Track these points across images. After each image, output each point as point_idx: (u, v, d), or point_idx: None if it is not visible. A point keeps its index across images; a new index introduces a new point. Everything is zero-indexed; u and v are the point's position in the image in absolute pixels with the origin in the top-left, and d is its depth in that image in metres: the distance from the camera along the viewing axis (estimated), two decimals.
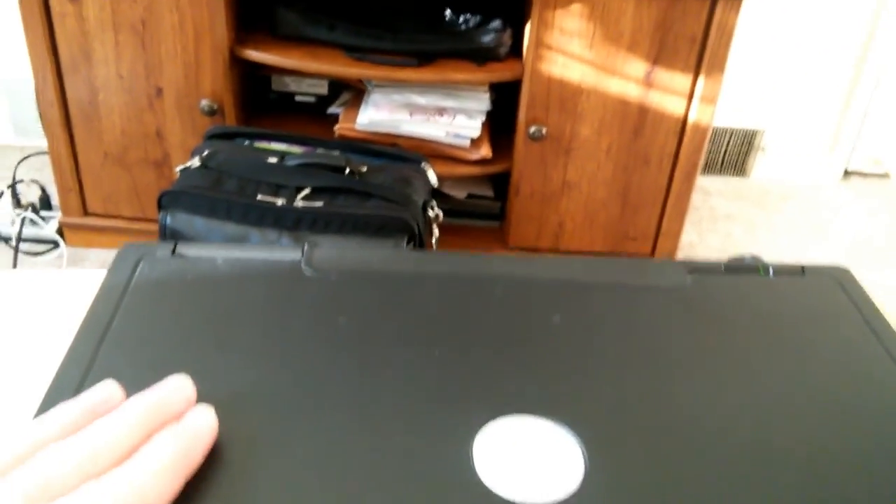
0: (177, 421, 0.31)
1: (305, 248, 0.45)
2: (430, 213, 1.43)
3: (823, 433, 0.36)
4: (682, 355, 0.40)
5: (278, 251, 0.44)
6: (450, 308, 0.42)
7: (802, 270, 0.47)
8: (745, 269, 0.46)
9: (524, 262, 0.45)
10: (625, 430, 0.36)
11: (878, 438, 0.36)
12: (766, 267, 0.46)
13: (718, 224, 2.12)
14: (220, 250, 0.44)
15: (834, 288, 0.46)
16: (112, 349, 0.37)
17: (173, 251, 0.43)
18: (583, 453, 0.34)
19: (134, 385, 0.35)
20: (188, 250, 0.44)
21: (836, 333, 0.42)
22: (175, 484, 0.29)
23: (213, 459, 0.32)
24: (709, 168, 2.33)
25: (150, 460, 0.29)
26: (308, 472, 0.32)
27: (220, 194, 1.34)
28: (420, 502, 0.32)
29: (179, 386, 0.33)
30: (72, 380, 0.35)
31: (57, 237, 1.75)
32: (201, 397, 0.35)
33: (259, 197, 1.35)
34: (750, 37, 2.11)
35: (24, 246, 1.74)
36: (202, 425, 0.31)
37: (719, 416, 0.37)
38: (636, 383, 0.38)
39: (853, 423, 0.37)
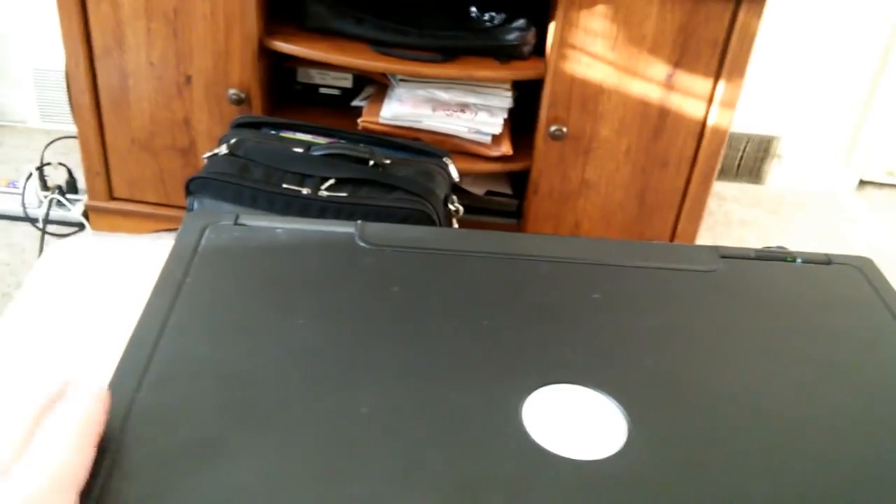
0: (64, 399, 0.33)
1: (359, 223, 0.47)
2: (451, 208, 1.46)
3: (848, 408, 0.39)
4: (715, 333, 0.42)
5: (333, 224, 0.47)
6: (496, 283, 0.44)
7: (828, 260, 0.49)
8: (774, 256, 0.49)
9: (565, 242, 0.48)
10: (664, 399, 0.38)
11: None
12: (794, 255, 0.49)
13: (733, 229, 2.14)
14: (279, 222, 0.47)
15: (858, 277, 0.48)
16: (184, 308, 0.40)
17: (235, 221, 0.46)
18: (625, 418, 0.37)
19: (204, 338, 0.38)
20: (249, 220, 0.46)
21: (861, 318, 0.45)
22: (88, 450, 0.31)
23: (275, 408, 0.35)
24: (724, 174, 2.34)
25: (59, 436, 0.30)
26: (368, 427, 0.35)
27: (246, 182, 1.37)
28: (476, 455, 0.34)
29: (52, 377, 0.34)
30: (149, 333, 0.38)
31: (82, 220, 1.78)
32: (267, 356, 0.38)
33: (284, 186, 1.37)
34: (769, 43, 2.13)
35: (49, 228, 1.77)
36: (88, 395, 0.32)
37: (750, 390, 0.39)
38: (673, 357, 0.41)
39: (877, 400, 0.39)
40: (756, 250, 0.49)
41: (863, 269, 0.48)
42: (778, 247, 0.52)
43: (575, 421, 0.36)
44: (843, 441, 0.37)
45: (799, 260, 0.49)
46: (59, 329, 0.50)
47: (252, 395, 0.35)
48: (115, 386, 0.35)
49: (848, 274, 0.48)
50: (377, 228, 0.47)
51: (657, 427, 0.37)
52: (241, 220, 0.46)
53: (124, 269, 0.54)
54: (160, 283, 0.41)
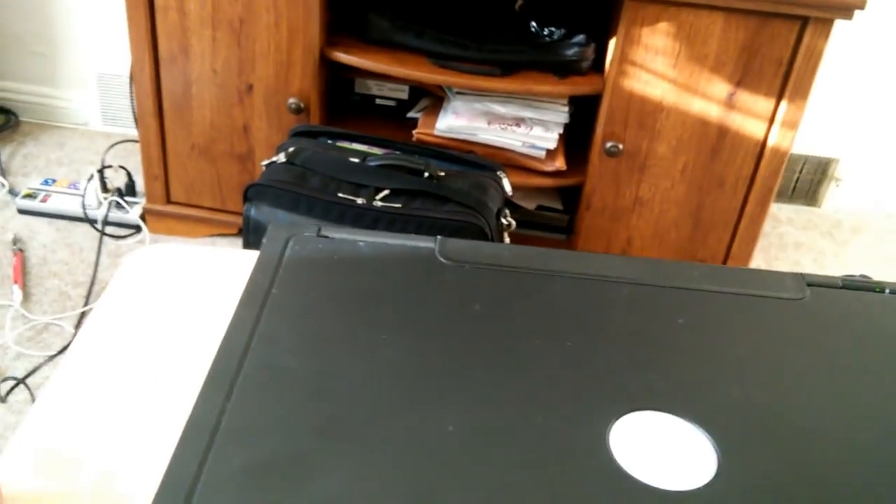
0: None
1: (438, 239, 0.47)
2: (503, 221, 1.46)
3: None
4: (803, 363, 0.41)
5: (413, 239, 0.47)
6: (577, 304, 0.44)
7: None
8: (861, 286, 0.47)
9: (647, 265, 0.47)
10: (753, 431, 0.37)
11: None
12: (881, 286, 0.48)
13: (787, 252, 2.10)
14: (360, 234, 0.47)
15: None
16: (271, 318, 0.40)
17: (318, 233, 0.46)
18: (714, 449, 0.36)
19: (291, 350, 0.38)
20: (332, 232, 0.47)
21: None
22: None
23: (361, 424, 0.35)
24: (779, 195, 2.30)
25: None
26: (455, 446, 0.34)
27: (303, 190, 1.38)
28: (563, 480, 0.34)
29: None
30: (239, 343, 0.38)
31: (140, 222, 1.82)
32: (352, 371, 0.38)
33: (340, 195, 1.39)
34: (830, 64, 2.09)
35: (108, 229, 1.81)
36: None
37: (841, 424, 0.38)
38: (762, 388, 0.40)
39: None
40: (842, 279, 0.48)
41: None
42: (861, 275, 0.51)
43: (663, 449, 0.36)
44: None
45: (887, 290, 0.47)
46: (144, 341, 0.51)
47: (339, 410, 0.35)
48: (206, 395, 0.35)
49: None
50: (456, 245, 0.47)
51: (747, 459, 0.36)
52: (324, 233, 0.46)
53: (204, 279, 0.55)
54: (247, 293, 0.41)
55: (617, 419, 0.37)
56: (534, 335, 0.41)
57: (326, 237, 0.46)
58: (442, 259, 0.46)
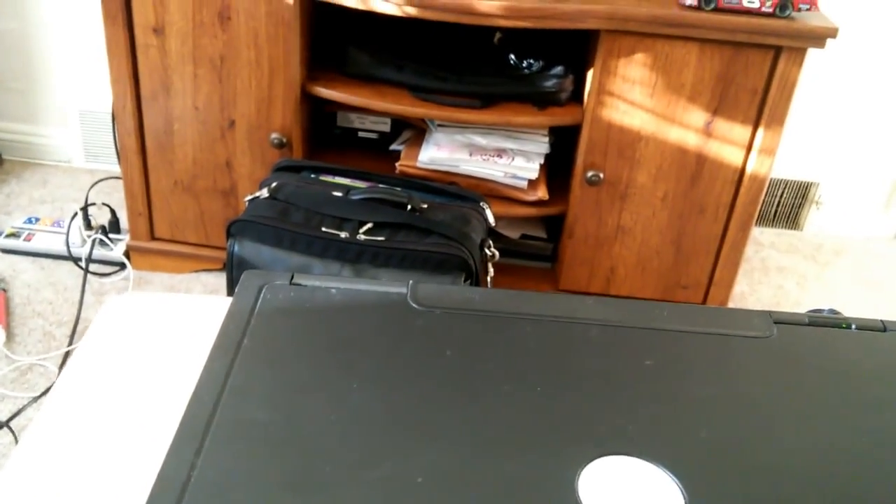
0: None
1: (410, 284, 0.48)
2: (487, 252, 1.47)
3: None
4: (771, 403, 0.42)
5: (384, 285, 0.48)
6: (548, 347, 0.44)
7: (884, 327, 0.48)
8: (827, 322, 0.48)
9: (614, 306, 0.48)
10: (720, 472, 0.38)
11: None
12: (848, 322, 0.48)
13: (770, 276, 2.12)
14: (333, 282, 0.47)
15: None
16: (242, 369, 0.40)
17: (290, 281, 0.47)
18: (682, 493, 0.37)
19: (263, 402, 0.38)
20: (304, 280, 0.47)
21: None
22: None
23: (332, 477, 0.35)
24: (761, 219, 2.32)
25: None
26: (424, 497, 0.35)
27: (286, 225, 1.39)
28: None
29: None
30: (209, 395, 0.38)
31: (124, 259, 1.82)
32: (323, 422, 0.38)
33: (323, 229, 1.39)
34: (808, 89, 2.13)
35: (92, 267, 1.80)
36: None
37: (808, 463, 0.39)
38: (729, 428, 0.40)
39: None
40: (809, 315, 0.49)
41: None
42: (829, 310, 0.51)
43: (631, 495, 0.36)
44: None
45: (853, 326, 0.48)
46: (122, 391, 0.51)
47: (310, 463, 0.35)
48: (176, 450, 0.36)
49: None
50: (427, 289, 0.47)
51: (714, 501, 0.36)
52: (297, 280, 0.47)
53: (182, 328, 0.55)
54: (218, 344, 0.41)
55: (585, 465, 0.37)
56: (504, 380, 0.42)
57: (299, 285, 0.46)
58: (413, 304, 0.46)
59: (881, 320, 0.49)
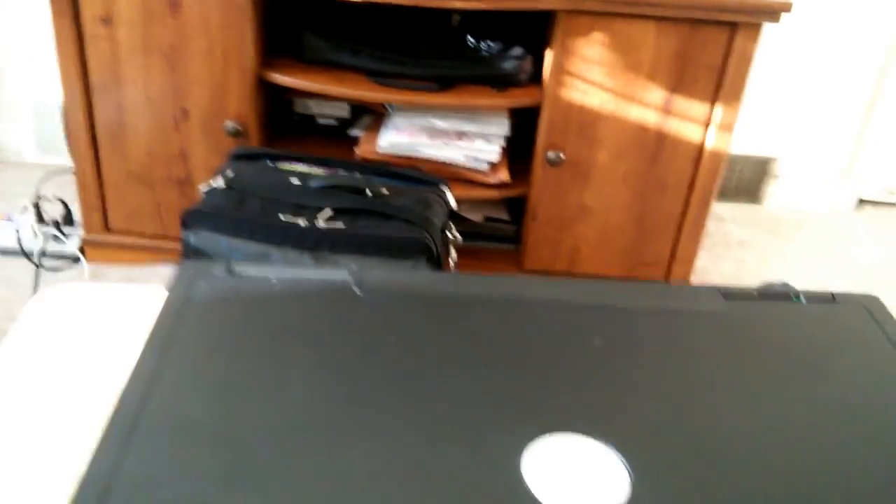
0: None
1: (355, 270, 0.46)
2: (449, 236, 1.46)
3: (855, 449, 0.38)
4: (719, 377, 0.41)
5: (327, 272, 0.46)
6: (494, 329, 0.44)
7: (833, 298, 0.48)
8: (778, 295, 0.48)
9: (563, 285, 0.47)
10: (666, 448, 0.37)
11: None
12: (797, 294, 0.48)
13: (732, 250, 2.14)
14: (273, 270, 0.46)
15: (864, 315, 0.47)
16: (175, 361, 0.39)
17: (229, 270, 0.45)
18: (627, 470, 0.36)
19: (195, 395, 0.37)
20: (243, 269, 0.46)
21: (866, 358, 0.44)
22: None
23: (266, 469, 0.34)
24: (722, 195, 2.34)
25: None
26: (365, 488, 0.34)
27: (243, 214, 1.36)
28: None
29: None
30: (140, 389, 0.37)
31: (78, 253, 1.78)
32: (259, 415, 0.36)
33: (281, 217, 1.37)
34: (766, 65, 2.14)
35: (45, 262, 1.76)
36: None
37: (755, 439, 0.38)
38: (676, 403, 0.40)
39: (884, 441, 0.38)
40: (759, 289, 0.48)
41: (868, 307, 0.48)
42: (781, 283, 0.51)
43: (576, 472, 0.35)
44: (851, 483, 0.36)
45: (803, 298, 0.48)
46: (46, 381, 0.49)
47: (244, 457, 0.34)
48: (104, 446, 0.34)
49: (853, 312, 0.47)
50: (372, 276, 0.46)
51: (660, 477, 0.35)
52: (234, 270, 0.45)
53: (118, 317, 0.53)
54: (152, 337, 0.40)
55: (529, 445, 0.36)
56: (449, 365, 0.41)
57: (237, 274, 0.45)
58: (357, 291, 0.45)
59: (831, 292, 0.49)
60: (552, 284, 0.47)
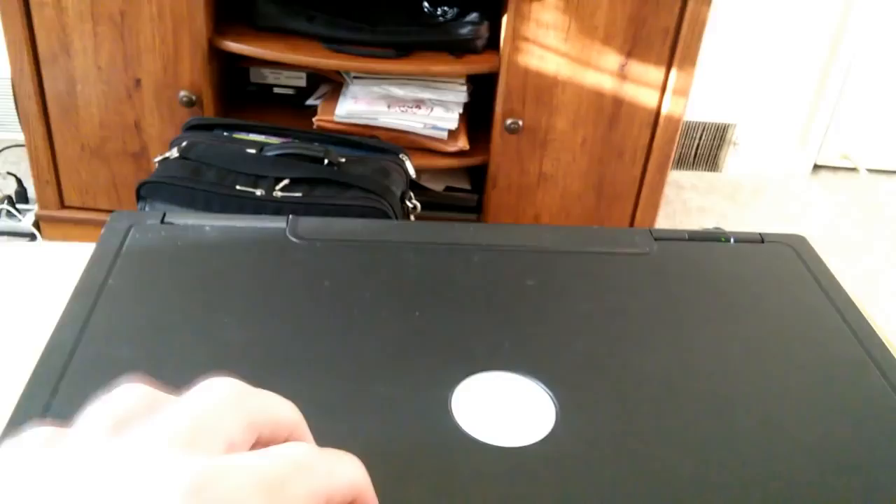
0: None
1: (290, 217, 0.46)
2: (409, 205, 1.45)
3: (777, 384, 0.39)
4: (646, 316, 0.42)
5: (264, 220, 0.46)
6: (429, 273, 0.44)
7: (762, 239, 0.49)
8: (707, 237, 0.49)
9: (498, 230, 0.47)
10: (592, 383, 0.38)
11: (829, 392, 0.39)
12: (727, 235, 0.49)
13: (691, 217, 2.16)
14: (208, 219, 0.46)
15: (791, 255, 0.48)
16: (105, 309, 0.39)
17: (162, 220, 0.45)
18: (554, 404, 0.37)
19: (125, 340, 0.37)
20: (177, 219, 0.45)
21: (793, 296, 0.45)
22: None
23: None
24: (681, 162, 2.37)
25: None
26: None
27: (199, 185, 1.35)
28: (404, 444, 0.34)
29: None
30: (67, 338, 0.37)
31: (33, 230, 1.75)
32: (189, 357, 0.37)
33: (238, 187, 1.36)
34: (722, 31, 2.16)
35: (0, 239, 1.73)
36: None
37: (680, 372, 0.39)
38: (604, 342, 0.40)
39: (805, 376, 0.40)
40: (690, 232, 0.49)
41: (795, 248, 0.49)
42: (715, 227, 0.52)
43: (503, 408, 0.36)
44: (774, 418, 0.37)
45: (732, 240, 0.49)
46: None
47: None
48: (30, 392, 0.34)
49: (781, 252, 0.48)
50: (308, 223, 0.46)
51: (584, 411, 0.36)
52: (169, 219, 0.45)
53: (52, 273, 0.53)
54: (80, 286, 0.40)
55: (459, 383, 0.37)
56: (382, 307, 0.41)
57: (171, 223, 0.45)
58: (292, 238, 0.45)
59: (759, 233, 0.50)
60: (487, 229, 0.47)
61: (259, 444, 0.26)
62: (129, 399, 0.25)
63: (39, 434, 0.24)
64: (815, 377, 0.40)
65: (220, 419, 0.24)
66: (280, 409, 0.27)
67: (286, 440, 0.27)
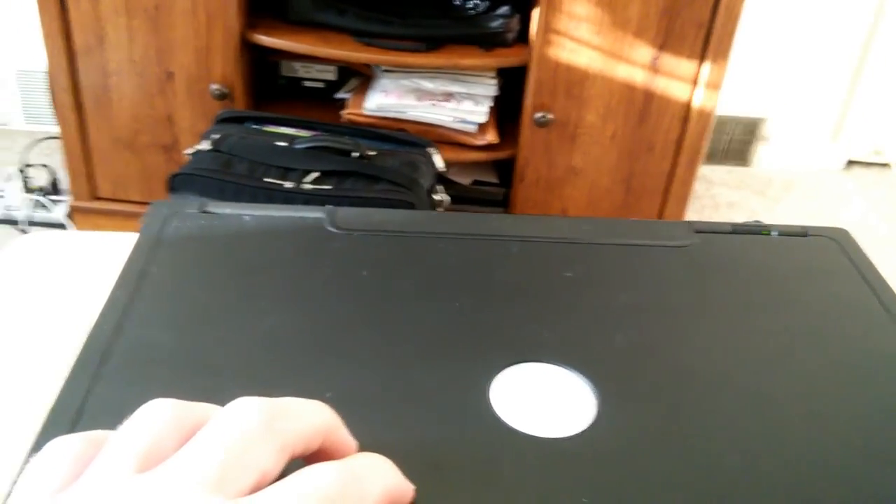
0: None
1: (328, 207, 0.46)
2: (436, 198, 1.45)
3: (822, 378, 0.38)
4: (688, 308, 0.42)
5: (302, 210, 0.46)
6: (467, 264, 0.44)
7: (805, 232, 0.49)
8: (749, 230, 0.48)
9: (536, 222, 0.47)
10: (634, 376, 0.38)
11: (874, 386, 0.38)
12: (769, 229, 0.48)
13: (721, 212, 2.14)
14: (247, 209, 0.46)
15: (834, 248, 0.47)
16: (147, 298, 0.39)
17: (201, 209, 0.45)
18: (595, 396, 0.36)
19: (167, 327, 0.37)
20: (216, 208, 0.46)
21: (836, 289, 0.44)
22: None
23: (235, 396, 0.34)
24: (712, 157, 2.34)
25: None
26: (333, 406, 0.34)
27: (229, 177, 1.36)
28: (442, 434, 0.34)
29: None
30: (110, 324, 0.37)
31: (66, 221, 1.77)
32: (230, 344, 0.37)
33: (267, 180, 1.37)
34: (755, 25, 2.13)
35: (32, 230, 1.76)
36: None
37: (722, 365, 0.39)
38: (644, 333, 0.40)
39: (851, 369, 0.39)
40: (732, 224, 0.48)
41: (839, 241, 0.48)
42: (755, 221, 0.51)
43: (543, 399, 0.36)
44: (817, 412, 0.37)
45: (775, 233, 0.48)
46: (15, 324, 0.50)
47: (213, 383, 0.34)
48: (73, 376, 0.34)
49: (824, 245, 0.48)
50: (347, 213, 0.46)
51: (626, 403, 0.36)
52: (208, 209, 0.45)
53: (91, 262, 0.54)
54: (123, 274, 0.40)
55: (498, 373, 0.37)
56: (420, 298, 0.41)
57: (210, 213, 0.45)
58: (331, 228, 0.45)
59: (802, 227, 0.49)
60: (525, 220, 0.47)
61: (294, 457, 0.26)
62: (154, 426, 0.25)
63: (59, 468, 0.23)
64: (860, 372, 0.39)
65: (250, 450, 0.24)
66: (311, 421, 0.27)
67: (321, 447, 0.27)
